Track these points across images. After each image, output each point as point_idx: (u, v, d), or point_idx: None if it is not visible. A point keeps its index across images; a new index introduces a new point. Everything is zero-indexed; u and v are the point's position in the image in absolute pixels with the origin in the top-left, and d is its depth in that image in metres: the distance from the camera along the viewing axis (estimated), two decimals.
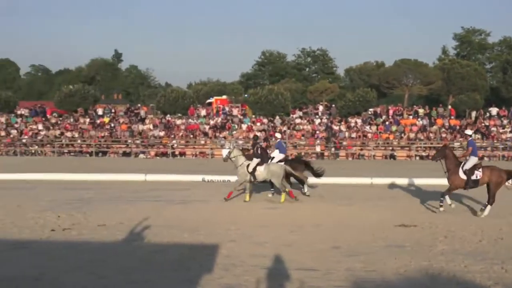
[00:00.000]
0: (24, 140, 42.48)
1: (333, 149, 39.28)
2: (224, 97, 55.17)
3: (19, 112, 48.06)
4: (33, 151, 41.67)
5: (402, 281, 8.49)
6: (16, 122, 45.28)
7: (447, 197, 14.80)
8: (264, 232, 12.05)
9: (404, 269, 9.12)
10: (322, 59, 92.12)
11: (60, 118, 46.60)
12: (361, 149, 39.75)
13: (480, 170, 14.71)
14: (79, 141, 42.78)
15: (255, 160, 16.81)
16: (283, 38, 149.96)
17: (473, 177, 14.63)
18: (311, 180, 18.92)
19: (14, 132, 43.50)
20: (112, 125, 44.76)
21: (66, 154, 41.28)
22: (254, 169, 16.74)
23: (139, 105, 55.06)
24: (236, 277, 8.57)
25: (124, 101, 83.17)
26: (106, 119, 46.00)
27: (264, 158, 17.12)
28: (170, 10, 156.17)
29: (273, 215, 14.49)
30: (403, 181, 21.23)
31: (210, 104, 52.20)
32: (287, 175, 17.37)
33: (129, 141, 42.49)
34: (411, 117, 43.35)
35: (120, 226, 12.79)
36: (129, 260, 9.60)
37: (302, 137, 41.12)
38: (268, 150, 18.25)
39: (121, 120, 45.70)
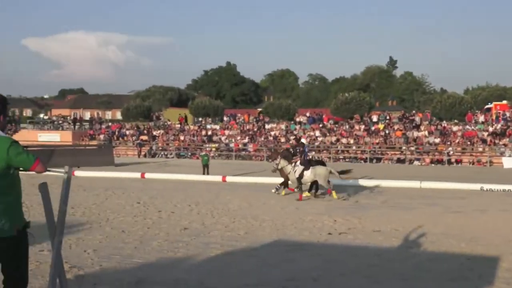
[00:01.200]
0: None
1: None
2: (504, 102, 51.57)
3: (298, 119, 50.91)
4: (310, 157, 43.64)
5: None
6: (295, 129, 47.96)
7: None
8: None
9: None
10: None
11: (336, 125, 48.16)
12: None
13: None
14: (354, 147, 43.72)
15: (300, 167, 18.71)
16: None
17: None
18: None
19: (293, 138, 46.17)
20: (387, 131, 44.86)
21: (341, 160, 42.47)
22: (301, 174, 18.59)
23: (413, 111, 54.36)
24: None
25: (398, 107, 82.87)
26: (381, 126, 46.28)
27: (305, 162, 19.03)
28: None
29: None
30: None
31: (489, 109, 49.24)
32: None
33: (404, 147, 42.13)
34: None
35: (395, 232, 12.68)
36: (405, 266, 9.43)
37: None
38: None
39: (396, 127, 45.58)
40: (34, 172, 5.15)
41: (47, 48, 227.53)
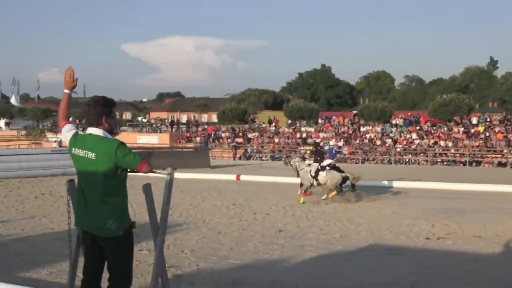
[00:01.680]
0: (398, 149, 43.87)
1: None
2: None
3: (394, 122, 49.94)
4: (406, 160, 42.74)
5: None
6: (391, 132, 47.09)
7: None
8: None
9: None
10: None
11: (434, 128, 46.87)
12: None
13: None
14: (452, 150, 42.37)
15: (315, 165, 19.20)
16: None
17: None
18: None
19: (389, 141, 45.30)
20: (487, 134, 43.17)
21: (439, 163, 41.28)
22: (317, 173, 18.98)
23: None
24: None
25: (499, 109, 79.50)
26: (481, 128, 44.62)
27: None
28: None
29: None
30: None
31: None
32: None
33: (505, 151, 40.39)
34: None
35: (496, 238, 12.17)
36: (507, 273, 9.06)
37: None
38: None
39: (497, 129, 43.77)
40: (131, 173, 5.24)
41: (145, 53, 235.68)
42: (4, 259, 10.23)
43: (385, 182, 23.59)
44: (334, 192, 18.91)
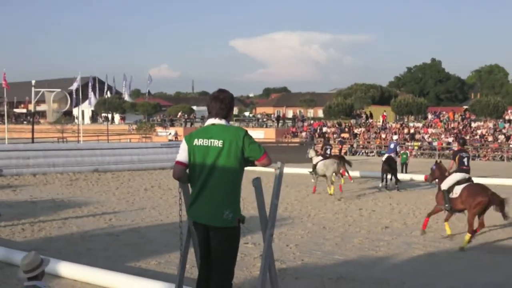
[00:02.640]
0: (511, 145, 41.87)
1: None
2: None
3: (507, 118, 47.63)
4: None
5: None
6: (504, 127, 44.99)
7: None
8: None
9: None
10: None
11: None
12: None
13: None
14: None
15: (318, 158, 19.56)
16: None
17: None
18: None
19: (501, 137, 43.29)
20: None
21: None
22: (315, 165, 19.22)
23: None
24: None
25: None
26: None
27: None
28: None
29: None
30: None
31: None
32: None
33: None
34: None
35: None
36: None
37: None
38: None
39: None
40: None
41: (253, 49, 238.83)
42: (116, 249, 10.74)
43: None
44: (333, 188, 18.84)
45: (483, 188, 11.31)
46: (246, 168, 5.22)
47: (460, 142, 13.58)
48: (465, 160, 11.98)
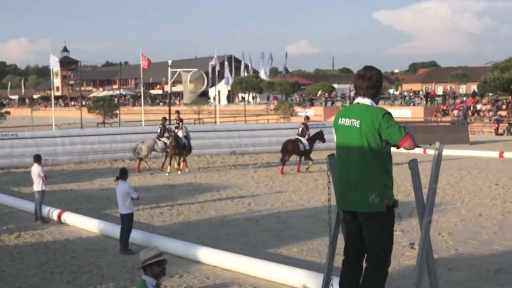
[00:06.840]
0: None
1: None
2: None
3: None
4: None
5: None
6: None
7: None
8: None
9: None
10: None
11: None
12: None
13: None
14: None
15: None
16: None
17: None
18: None
19: None
20: None
21: None
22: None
23: None
24: None
25: None
26: None
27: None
28: None
29: None
30: None
31: None
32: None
33: None
34: None
35: None
36: None
37: None
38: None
39: None
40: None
41: (398, 20, 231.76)
42: (256, 234, 10.85)
43: None
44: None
45: None
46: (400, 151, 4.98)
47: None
48: None
